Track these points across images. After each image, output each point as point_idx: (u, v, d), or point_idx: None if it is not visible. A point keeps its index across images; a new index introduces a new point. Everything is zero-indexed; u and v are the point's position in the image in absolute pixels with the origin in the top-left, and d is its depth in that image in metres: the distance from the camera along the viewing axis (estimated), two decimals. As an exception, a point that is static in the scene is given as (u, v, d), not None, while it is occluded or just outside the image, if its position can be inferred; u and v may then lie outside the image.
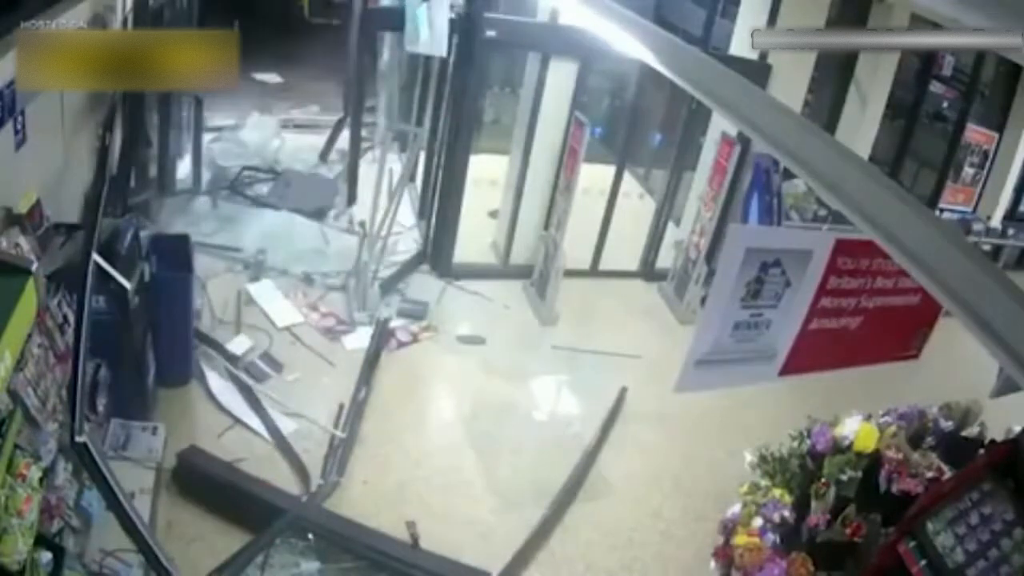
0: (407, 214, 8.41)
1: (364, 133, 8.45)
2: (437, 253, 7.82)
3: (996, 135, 9.88)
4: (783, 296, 3.40)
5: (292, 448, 5.44)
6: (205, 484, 4.92)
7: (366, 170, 7.99)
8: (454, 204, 7.57)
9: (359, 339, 6.71)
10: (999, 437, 4.12)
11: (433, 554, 4.71)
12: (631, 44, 3.19)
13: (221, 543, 4.59)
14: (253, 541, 4.57)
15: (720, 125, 7.76)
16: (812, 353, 3.63)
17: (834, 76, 8.48)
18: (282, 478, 5.18)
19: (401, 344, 6.78)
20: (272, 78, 11.51)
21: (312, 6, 14.02)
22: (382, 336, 6.73)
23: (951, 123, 9.97)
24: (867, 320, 3.69)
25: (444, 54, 6.46)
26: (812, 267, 3.40)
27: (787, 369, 3.64)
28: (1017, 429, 4.00)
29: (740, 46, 7.70)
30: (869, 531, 4.09)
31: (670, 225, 8.56)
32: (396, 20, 5.97)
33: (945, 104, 10.29)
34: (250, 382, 5.92)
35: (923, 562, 3.42)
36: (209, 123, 9.15)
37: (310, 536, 4.68)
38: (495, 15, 7.04)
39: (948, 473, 4.17)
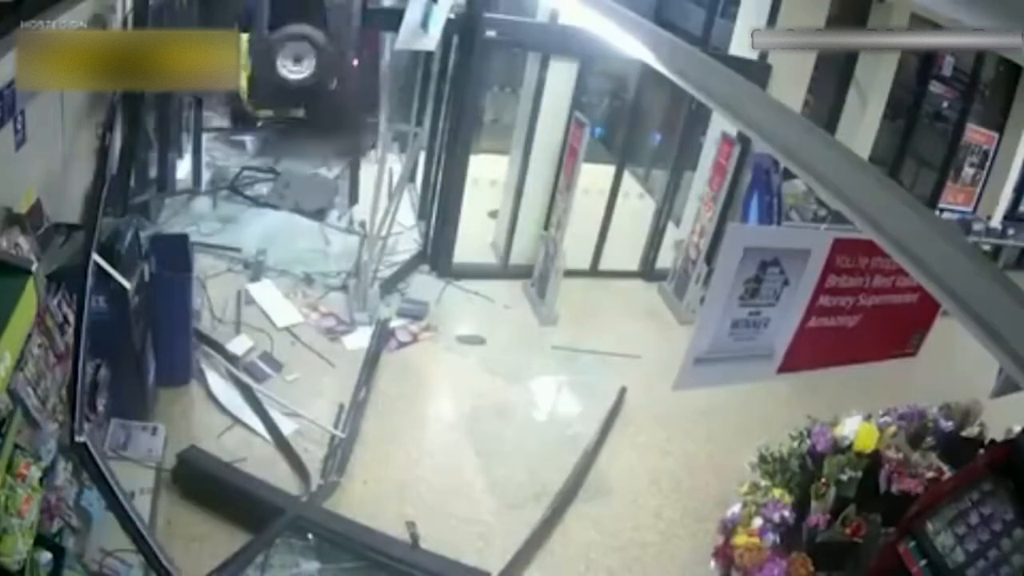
0: (407, 214, 8.41)
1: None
2: (437, 253, 7.82)
3: (996, 135, 9.88)
4: (781, 295, 3.40)
5: (292, 448, 5.44)
6: (205, 484, 4.92)
7: (366, 170, 7.99)
8: (454, 204, 7.57)
9: (359, 339, 6.71)
10: (999, 437, 4.13)
11: (433, 554, 4.71)
12: (631, 44, 3.19)
13: (221, 543, 4.59)
14: (253, 541, 4.57)
15: (720, 125, 7.76)
16: (810, 351, 3.64)
17: (834, 76, 8.48)
18: (282, 478, 5.18)
19: (401, 344, 6.79)
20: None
21: (256, 89, 8.57)
22: (382, 336, 6.73)
23: (951, 123, 9.97)
24: (865, 318, 3.69)
25: (433, 48, 6.49)
26: (811, 266, 3.40)
27: (785, 367, 3.64)
28: (1017, 429, 4.01)
29: (740, 46, 7.69)
30: (869, 531, 4.09)
31: (670, 225, 8.56)
32: (398, 21, 5.99)
33: (945, 104, 10.28)
34: (250, 382, 5.92)
35: (923, 562, 3.43)
36: (209, 124, 9.15)
37: (310, 536, 4.68)
38: (495, 15, 7.04)
39: (948, 473, 4.18)
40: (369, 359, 6.41)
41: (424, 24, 5.81)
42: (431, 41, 6.00)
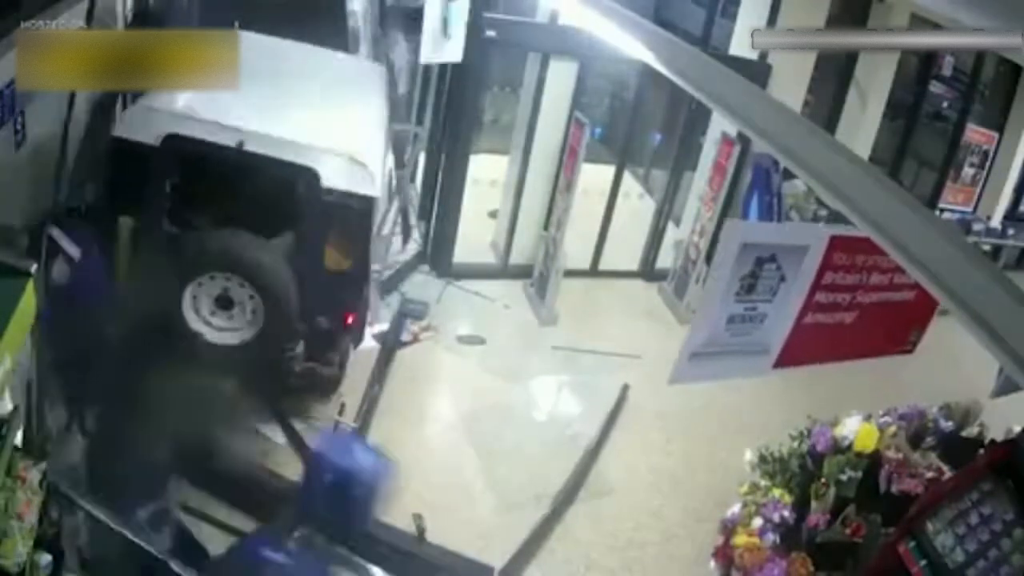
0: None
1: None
2: (437, 253, 7.82)
3: (996, 135, 9.89)
4: (778, 290, 3.41)
5: (303, 439, 5.41)
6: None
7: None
8: (454, 204, 7.57)
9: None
10: (999, 437, 4.13)
11: (439, 547, 4.68)
12: (631, 44, 3.19)
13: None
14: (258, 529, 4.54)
15: (720, 125, 7.76)
16: (806, 347, 3.64)
17: (834, 76, 8.48)
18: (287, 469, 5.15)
19: (401, 344, 6.78)
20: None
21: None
22: (398, 332, 6.68)
23: (951, 123, 9.98)
24: (862, 315, 3.70)
25: (460, 59, 6.42)
26: (808, 262, 3.41)
27: (781, 362, 3.65)
28: (1017, 429, 4.01)
29: (740, 46, 7.69)
30: (869, 531, 4.09)
31: (670, 225, 8.56)
32: (414, 22, 5.99)
33: (945, 104, 10.29)
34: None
35: (923, 562, 3.42)
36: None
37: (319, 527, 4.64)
38: (495, 15, 7.04)
39: (948, 473, 4.18)
40: (383, 356, 6.34)
41: (445, 29, 5.77)
42: (456, 49, 5.92)
